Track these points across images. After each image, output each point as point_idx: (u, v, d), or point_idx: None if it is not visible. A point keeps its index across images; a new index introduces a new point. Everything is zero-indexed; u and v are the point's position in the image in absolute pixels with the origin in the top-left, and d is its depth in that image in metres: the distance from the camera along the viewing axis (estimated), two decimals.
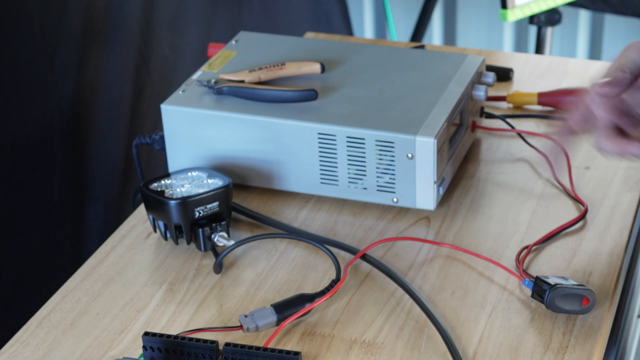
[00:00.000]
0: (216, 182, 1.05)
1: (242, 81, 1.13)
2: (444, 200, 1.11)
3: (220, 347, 0.89)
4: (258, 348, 0.88)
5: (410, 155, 1.04)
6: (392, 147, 1.05)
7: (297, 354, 0.87)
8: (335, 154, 1.07)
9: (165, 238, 1.05)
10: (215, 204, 1.02)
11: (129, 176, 1.52)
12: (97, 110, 1.45)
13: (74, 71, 1.38)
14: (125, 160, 1.51)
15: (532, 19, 1.75)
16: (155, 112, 1.55)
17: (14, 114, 1.29)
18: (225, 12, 1.81)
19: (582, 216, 1.07)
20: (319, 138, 1.07)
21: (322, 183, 1.10)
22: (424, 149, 1.04)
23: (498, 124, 1.22)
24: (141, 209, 1.12)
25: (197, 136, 1.11)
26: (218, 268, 1.02)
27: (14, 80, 1.28)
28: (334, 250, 1.03)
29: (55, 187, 1.38)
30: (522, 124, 1.23)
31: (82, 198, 1.44)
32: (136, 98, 1.54)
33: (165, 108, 1.11)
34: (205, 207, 1.02)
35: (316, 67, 1.15)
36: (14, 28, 1.27)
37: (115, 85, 1.49)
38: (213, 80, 1.14)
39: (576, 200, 1.10)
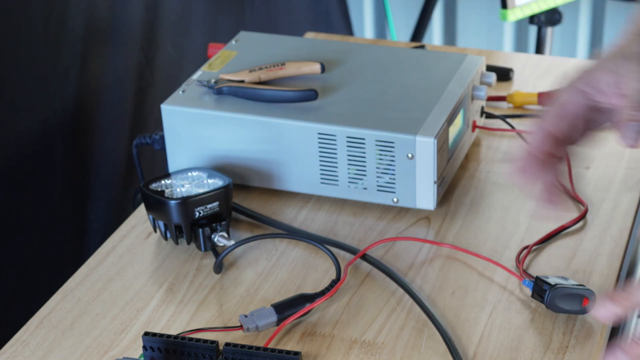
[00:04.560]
0: (216, 182, 1.05)
1: (242, 81, 1.13)
2: (444, 200, 1.11)
3: (221, 347, 0.89)
4: (258, 348, 0.88)
5: (410, 155, 1.05)
6: (392, 147, 1.05)
7: (297, 354, 0.87)
8: (335, 154, 1.07)
9: (165, 238, 1.05)
10: (216, 204, 1.02)
11: (131, 176, 1.52)
12: (100, 110, 1.45)
13: (77, 71, 1.38)
14: (128, 161, 1.51)
15: (532, 19, 1.75)
16: (158, 112, 1.54)
17: (17, 115, 1.29)
18: (229, 12, 1.81)
19: (582, 216, 1.07)
20: (319, 138, 1.07)
21: (322, 183, 1.10)
22: (424, 149, 1.04)
23: (498, 124, 1.23)
24: (141, 209, 1.12)
25: (197, 136, 1.11)
26: (218, 268, 1.02)
27: (16, 81, 1.28)
28: (334, 250, 1.03)
29: (56, 187, 1.38)
30: (522, 124, 1.23)
31: (84, 198, 1.44)
32: (139, 98, 1.54)
33: (165, 108, 1.12)
34: (206, 207, 1.02)
35: (316, 67, 1.15)
36: (17, 28, 1.27)
37: (118, 86, 1.49)
38: (213, 80, 1.14)
39: (576, 200, 1.10)
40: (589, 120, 0.89)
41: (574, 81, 0.89)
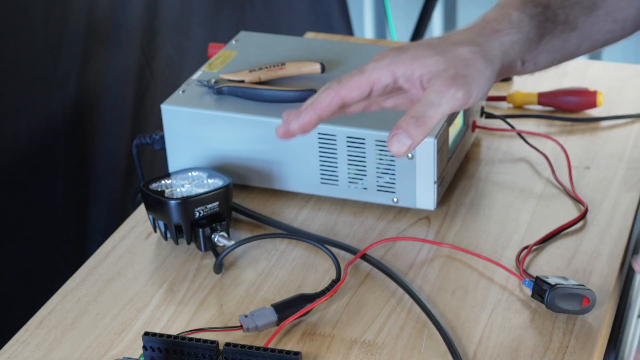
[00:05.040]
0: (216, 182, 1.05)
1: (242, 81, 1.14)
2: (444, 200, 1.11)
3: (221, 347, 0.89)
4: (258, 348, 0.88)
5: (410, 155, 1.05)
6: None
7: (297, 354, 0.87)
8: (335, 154, 1.07)
9: (166, 238, 1.05)
10: (216, 204, 1.02)
11: (132, 176, 1.52)
12: (100, 110, 1.45)
13: (77, 71, 1.38)
14: (128, 161, 1.51)
15: None
16: (158, 112, 1.54)
17: (17, 115, 1.29)
18: (229, 12, 1.81)
19: (582, 216, 1.07)
20: (319, 138, 1.07)
21: (322, 183, 1.10)
22: (424, 149, 1.04)
23: (498, 124, 1.23)
24: (141, 209, 1.12)
25: (197, 136, 1.11)
26: (218, 268, 1.02)
27: (17, 81, 1.28)
28: (334, 250, 1.03)
29: (58, 187, 1.38)
30: (522, 124, 1.23)
31: (85, 198, 1.44)
32: (139, 98, 1.54)
33: (166, 108, 1.12)
34: (206, 207, 1.02)
35: (316, 67, 1.15)
36: (17, 28, 1.27)
37: (118, 86, 1.49)
38: (213, 80, 1.14)
39: (576, 200, 1.10)
40: (382, 95, 0.92)
41: (389, 60, 0.89)
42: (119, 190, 1.50)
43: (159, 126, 1.16)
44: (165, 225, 1.03)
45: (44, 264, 1.36)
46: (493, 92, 1.29)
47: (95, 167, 1.45)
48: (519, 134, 1.20)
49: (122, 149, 1.50)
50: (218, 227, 1.03)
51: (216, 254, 1.03)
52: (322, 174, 1.09)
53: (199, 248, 1.04)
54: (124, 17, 1.48)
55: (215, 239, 1.03)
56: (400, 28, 2.49)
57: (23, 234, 1.33)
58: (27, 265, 1.34)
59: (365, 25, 2.56)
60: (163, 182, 1.05)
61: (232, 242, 1.03)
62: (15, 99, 1.28)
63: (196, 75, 1.16)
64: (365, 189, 1.08)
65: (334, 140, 1.07)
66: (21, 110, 1.29)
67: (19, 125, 1.29)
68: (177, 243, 1.05)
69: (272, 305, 0.94)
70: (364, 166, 1.07)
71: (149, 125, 1.56)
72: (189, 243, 1.04)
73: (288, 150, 1.09)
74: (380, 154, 1.06)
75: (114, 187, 1.50)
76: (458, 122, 1.12)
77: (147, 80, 1.56)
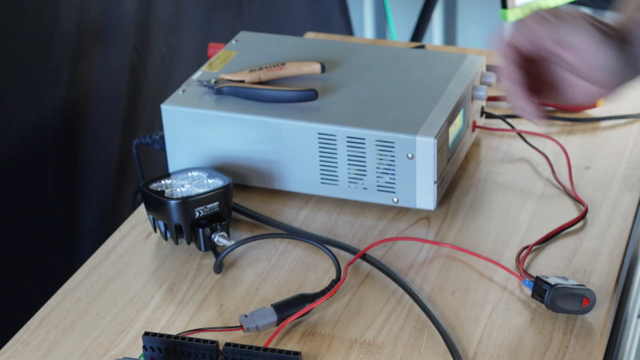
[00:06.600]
0: (216, 182, 1.05)
1: (242, 81, 1.14)
2: (444, 200, 1.11)
3: (221, 347, 0.89)
4: (258, 348, 0.88)
5: (410, 155, 1.05)
6: (392, 147, 1.05)
7: (297, 354, 0.87)
8: (335, 154, 1.07)
9: (166, 238, 1.05)
10: (216, 204, 1.03)
11: (124, 175, 1.52)
12: (92, 109, 1.44)
13: (68, 71, 1.38)
14: (120, 160, 1.51)
15: None
16: (151, 111, 1.54)
17: (8, 114, 1.28)
18: (224, 12, 1.80)
19: (582, 216, 1.07)
20: (319, 138, 1.07)
21: (322, 183, 1.10)
22: (424, 149, 1.04)
23: (498, 124, 1.23)
24: (141, 209, 1.12)
25: (197, 136, 1.11)
26: (218, 268, 1.02)
27: (7, 80, 1.28)
28: (334, 250, 1.03)
29: (49, 186, 1.38)
30: (522, 124, 1.23)
31: (77, 197, 1.44)
32: (132, 97, 1.54)
33: (166, 108, 1.12)
34: (206, 207, 1.02)
35: (316, 67, 1.15)
36: (8, 27, 1.27)
37: (110, 85, 1.48)
38: (213, 80, 1.14)
39: (576, 200, 1.10)
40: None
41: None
42: (111, 189, 1.50)
43: (152, 125, 1.16)
44: (165, 225, 1.03)
45: (36, 262, 1.36)
46: (493, 92, 1.29)
47: (87, 166, 1.45)
48: (519, 134, 1.20)
49: (114, 148, 1.50)
50: (218, 227, 1.03)
51: (216, 254, 1.03)
52: (322, 174, 1.09)
53: (199, 248, 1.04)
54: (116, 16, 1.47)
55: (215, 239, 1.03)
56: (400, 28, 2.49)
57: (14, 233, 1.32)
58: (19, 264, 1.34)
59: (365, 25, 2.56)
60: (163, 182, 1.05)
61: (232, 242, 1.03)
62: (6, 98, 1.28)
63: (196, 75, 1.16)
64: (365, 189, 1.08)
65: (334, 140, 1.07)
66: (12, 109, 1.29)
67: (10, 124, 1.29)
68: (177, 243, 1.05)
69: (272, 305, 0.94)
70: (364, 166, 1.07)
71: (141, 124, 1.56)
72: (189, 243, 1.04)
73: (288, 150, 1.09)
74: (380, 154, 1.06)
75: (106, 186, 1.49)
76: (458, 122, 1.12)
77: (140, 80, 1.55)
